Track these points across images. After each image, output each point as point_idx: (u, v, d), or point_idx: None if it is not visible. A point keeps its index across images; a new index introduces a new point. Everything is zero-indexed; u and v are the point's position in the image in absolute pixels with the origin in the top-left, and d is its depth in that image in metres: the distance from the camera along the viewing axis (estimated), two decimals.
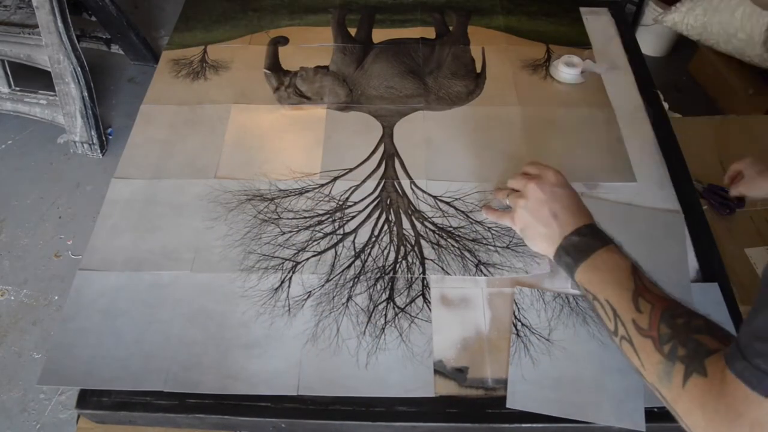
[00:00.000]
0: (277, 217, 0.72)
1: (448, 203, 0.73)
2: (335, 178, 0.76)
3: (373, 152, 0.79)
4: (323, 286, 0.65)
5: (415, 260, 0.67)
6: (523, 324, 0.62)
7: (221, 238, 0.69)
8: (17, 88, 1.73)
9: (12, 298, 1.45)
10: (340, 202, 0.73)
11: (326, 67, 0.91)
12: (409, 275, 0.66)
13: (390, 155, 0.78)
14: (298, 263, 0.67)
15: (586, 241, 0.56)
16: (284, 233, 0.70)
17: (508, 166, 0.77)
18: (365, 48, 0.94)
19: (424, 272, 0.66)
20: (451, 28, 0.98)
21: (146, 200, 0.74)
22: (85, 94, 1.65)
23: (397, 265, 0.67)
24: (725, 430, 0.39)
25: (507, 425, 0.58)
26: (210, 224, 0.71)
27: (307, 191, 0.74)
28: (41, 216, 1.61)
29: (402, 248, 0.69)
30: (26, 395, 1.28)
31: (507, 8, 1.01)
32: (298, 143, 0.80)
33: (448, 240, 0.69)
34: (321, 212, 0.72)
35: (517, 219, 0.62)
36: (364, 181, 0.75)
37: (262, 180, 0.75)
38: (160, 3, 2.24)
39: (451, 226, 0.70)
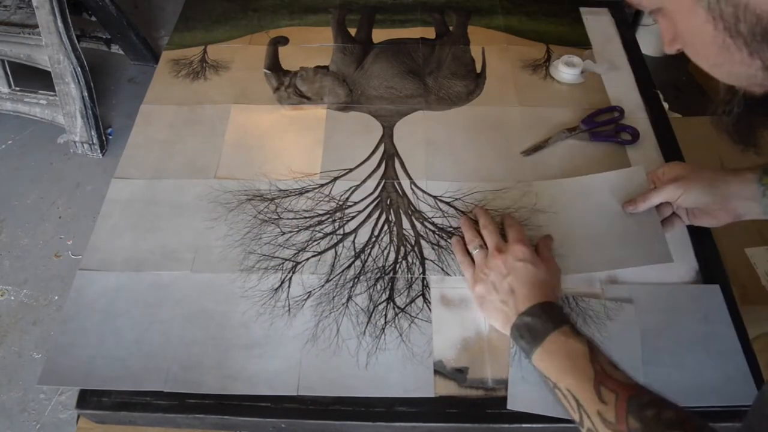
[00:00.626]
0: (277, 217, 0.72)
1: (448, 203, 0.73)
2: (335, 179, 0.76)
3: (373, 152, 0.79)
4: (323, 286, 0.65)
5: (415, 260, 0.67)
6: None
7: (221, 238, 0.69)
8: (17, 88, 1.72)
9: (12, 298, 1.45)
10: (340, 203, 0.73)
11: (326, 67, 0.91)
12: (409, 275, 0.66)
13: (390, 155, 0.78)
14: (298, 263, 0.67)
15: (538, 322, 0.54)
16: (284, 233, 0.70)
17: (507, 166, 0.77)
18: (365, 48, 0.94)
19: (424, 272, 0.66)
20: (451, 28, 0.98)
21: (146, 200, 0.74)
22: (85, 94, 1.65)
23: (397, 266, 0.67)
24: None
25: (507, 425, 0.58)
26: (210, 224, 0.71)
27: (307, 191, 0.74)
28: (41, 216, 1.61)
29: (402, 248, 0.69)
30: (26, 395, 1.28)
31: (507, 8, 1.01)
32: (298, 143, 0.80)
33: (448, 240, 0.69)
34: (321, 212, 0.72)
35: (477, 289, 0.61)
36: (364, 181, 0.75)
37: (262, 180, 0.75)
38: (160, 3, 2.24)
39: (451, 227, 0.70)
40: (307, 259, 0.68)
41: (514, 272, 0.59)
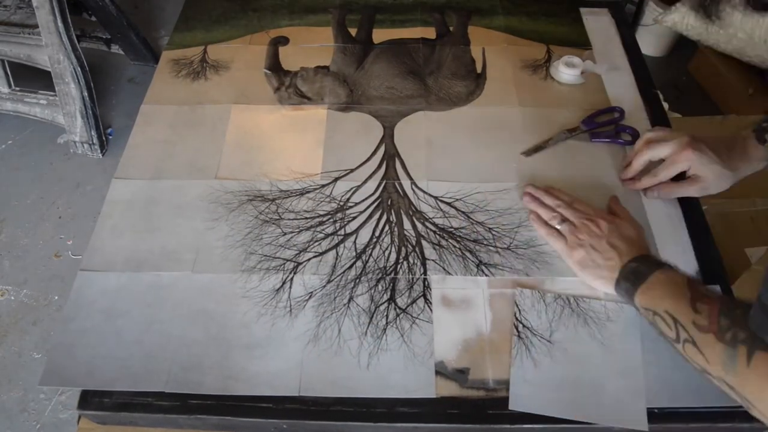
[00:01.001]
0: (278, 217, 0.72)
1: (449, 204, 0.73)
2: (336, 179, 0.76)
3: (374, 153, 0.79)
4: (324, 286, 0.65)
5: (416, 261, 0.68)
6: (524, 325, 0.62)
7: (222, 239, 0.69)
8: (17, 88, 1.72)
9: (12, 298, 1.45)
10: (341, 203, 0.73)
11: (327, 68, 0.91)
12: (411, 276, 0.66)
13: (391, 156, 0.78)
14: (299, 264, 0.67)
15: (642, 266, 0.59)
16: (285, 234, 0.70)
17: (507, 166, 0.77)
18: (365, 48, 0.94)
19: (425, 273, 0.66)
20: (451, 28, 0.98)
21: (147, 201, 0.74)
22: (85, 94, 1.65)
23: (398, 266, 0.67)
24: None
25: (508, 426, 0.57)
26: (211, 225, 0.71)
27: (308, 192, 0.74)
28: (41, 216, 1.61)
29: (403, 249, 0.69)
30: (26, 395, 1.28)
31: (507, 9, 1.01)
32: (298, 144, 0.80)
33: (449, 240, 0.69)
34: (322, 213, 0.72)
35: (576, 255, 0.64)
36: (365, 182, 0.75)
37: (262, 180, 0.75)
38: (160, 3, 2.23)
39: (452, 227, 0.71)
40: (309, 259, 0.68)
41: (610, 232, 0.63)
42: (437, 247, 0.69)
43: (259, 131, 0.82)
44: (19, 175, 1.71)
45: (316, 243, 0.69)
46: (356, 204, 0.73)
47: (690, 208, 0.73)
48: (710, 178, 0.68)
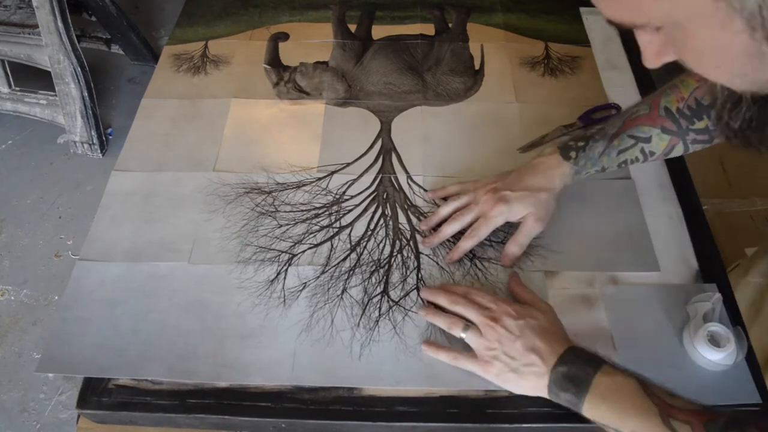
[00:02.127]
0: (274, 209, 0.72)
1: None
2: (332, 172, 0.76)
3: (371, 147, 0.79)
4: (318, 277, 0.66)
5: (410, 254, 0.68)
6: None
7: (219, 230, 0.70)
8: (17, 88, 1.72)
9: (12, 298, 1.45)
10: (337, 196, 0.74)
11: (326, 63, 0.91)
12: (404, 269, 0.67)
13: (387, 150, 0.79)
14: (294, 255, 0.68)
15: (576, 368, 0.51)
16: (281, 226, 0.71)
17: (504, 162, 0.77)
18: (365, 44, 0.94)
19: (418, 266, 0.67)
20: (450, 25, 0.98)
21: (145, 192, 0.75)
22: (85, 94, 1.65)
23: (392, 259, 0.68)
24: None
25: (507, 425, 0.57)
26: (208, 216, 0.72)
27: (305, 185, 0.75)
28: (41, 216, 1.61)
29: (397, 242, 0.69)
30: (26, 395, 1.28)
31: (507, 6, 1.02)
32: (296, 138, 0.81)
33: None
34: (318, 205, 0.73)
35: (492, 370, 0.55)
36: (361, 176, 0.76)
37: (260, 173, 0.76)
38: (160, 3, 2.24)
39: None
40: (304, 251, 0.68)
41: (522, 332, 0.55)
42: None
43: (258, 125, 0.83)
44: (19, 175, 1.71)
45: (312, 235, 0.70)
46: (352, 197, 0.74)
47: (690, 208, 0.73)
48: (536, 211, 0.65)
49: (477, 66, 0.91)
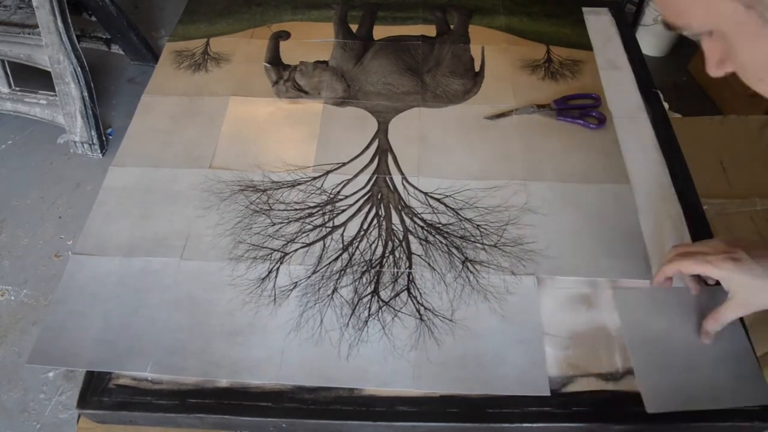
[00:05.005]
0: (268, 208, 0.72)
1: (438, 200, 0.73)
2: (328, 172, 0.76)
3: (367, 147, 0.79)
4: (309, 277, 0.66)
5: (402, 255, 0.68)
6: (425, 308, 0.63)
7: (212, 227, 0.70)
8: (17, 88, 1.72)
9: (12, 298, 1.45)
10: (331, 196, 0.74)
11: (326, 62, 0.91)
12: (396, 270, 0.67)
13: (383, 151, 0.79)
14: (286, 254, 0.68)
15: None
16: (274, 224, 0.71)
17: (499, 164, 0.77)
18: (365, 44, 0.94)
19: (410, 267, 0.67)
20: (452, 26, 0.98)
21: (142, 188, 0.75)
22: (85, 94, 1.65)
23: (384, 260, 0.68)
24: None
25: (508, 425, 0.57)
26: (202, 213, 0.72)
27: (299, 184, 0.75)
28: (41, 216, 1.61)
29: (390, 243, 0.69)
30: (26, 395, 1.28)
31: (509, 8, 1.01)
32: (293, 136, 0.81)
33: (437, 236, 0.69)
34: (312, 205, 0.73)
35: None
36: (356, 176, 0.76)
37: (255, 171, 0.76)
38: (160, 3, 2.23)
39: (440, 223, 0.71)
40: (296, 250, 0.68)
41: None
42: (424, 242, 0.69)
43: (255, 123, 0.83)
44: (19, 175, 1.71)
45: (304, 234, 0.70)
46: (346, 197, 0.74)
47: (690, 208, 0.73)
48: (747, 292, 0.57)
49: (477, 68, 0.91)
